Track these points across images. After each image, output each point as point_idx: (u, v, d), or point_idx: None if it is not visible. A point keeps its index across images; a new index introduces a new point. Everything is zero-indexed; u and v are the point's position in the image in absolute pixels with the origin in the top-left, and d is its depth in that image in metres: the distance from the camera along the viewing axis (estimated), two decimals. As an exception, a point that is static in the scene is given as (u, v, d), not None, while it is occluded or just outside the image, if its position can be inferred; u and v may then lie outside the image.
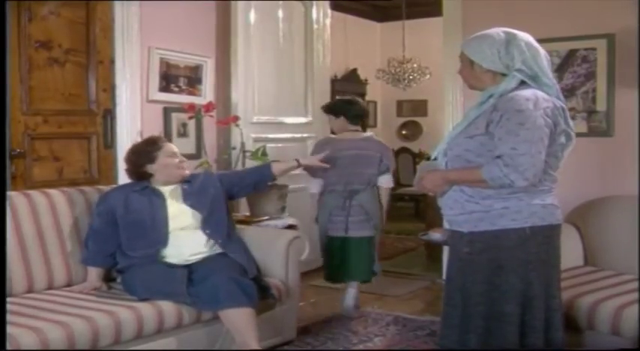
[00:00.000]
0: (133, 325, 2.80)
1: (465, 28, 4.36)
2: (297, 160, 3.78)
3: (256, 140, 4.69)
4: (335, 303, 4.25)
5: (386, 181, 4.11)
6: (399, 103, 10.05)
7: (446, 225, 2.63)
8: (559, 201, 2.47)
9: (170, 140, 3.90)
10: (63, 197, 3.37)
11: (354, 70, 9.20)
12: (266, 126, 4.96)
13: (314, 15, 5.37)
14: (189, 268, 3.10)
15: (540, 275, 2.39)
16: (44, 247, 3.20)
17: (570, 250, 3.40)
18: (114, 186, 3.65)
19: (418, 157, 8.95)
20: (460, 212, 2.44)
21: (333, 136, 4.26)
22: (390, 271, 5.19)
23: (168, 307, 2.93)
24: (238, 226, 3.64)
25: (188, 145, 4.50)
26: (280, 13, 5.11)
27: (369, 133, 4.28)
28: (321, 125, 5.48)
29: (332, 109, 4.24)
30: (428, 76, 8.60)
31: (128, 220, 3.25)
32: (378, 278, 4.32)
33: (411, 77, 8.70)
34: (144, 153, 3.36)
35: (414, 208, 8.77)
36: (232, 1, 4.71)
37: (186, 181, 3.41)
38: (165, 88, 4.44)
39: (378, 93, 9.80)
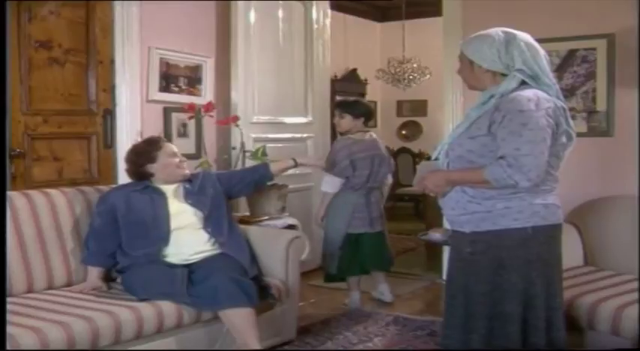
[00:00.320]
0: (133, 325, 2.80)
1: (465, 28, 4.36)
2: (294, 160, 3.79)
3: (256, 140, 4.68)
4: (335, 303, 4.26)
5: (389, 179, 4.47)
6: (399, 103, 10.03)
7: (447, 225, 2.63)
8: (559, 201, 2.47)
9: (170, 140, 3.90)
10: (63, 197, 3.37)
11: (354, 70, 9.19)
12: (266, 126, 4.96)
13: (314, 15, 5.37)
14: (189, 268, 3.11)
15: (542, 275, 2.39)
16: (44, 247, 3.20)
17: (570, 250, 3.39)
18: (114, 186, 3.65)
19: (418, 157, 8.94)
20: (462, 213, 2.43)
21: (351, 136, 4.27)
22: (390, 271, 5.17)
23: (168, 307, 2.93)
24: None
25: (188, 145, 4.50)
26: (280, 13, 5.10)
27: (373, 133, 4.41)
28: (321, 125, 5.50)
29: (352, 108, 4.30)
30: (428, 76, 8.59)
31: (130, 218, 3.25)
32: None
33: (410, 77, 8.69)
34: (144, 153, 3.37)
35: (414, 208, 8.77)
36: (232, 1, 4.70)
37: (186, 180, 3.42)
38: (165, 88, 4.44)
39: (377, 93, 9.79)
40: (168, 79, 4.46)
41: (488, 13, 4.30)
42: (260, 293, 3.08)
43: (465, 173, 2.41)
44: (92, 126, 4.13)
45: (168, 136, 4.31)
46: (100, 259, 3.25)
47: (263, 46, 4.93)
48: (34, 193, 3.32)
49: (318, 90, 5.44)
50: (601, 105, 4.09)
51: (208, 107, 4.22)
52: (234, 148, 4.53)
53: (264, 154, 4.16)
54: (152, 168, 3.36)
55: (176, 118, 4.49)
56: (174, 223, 3.26)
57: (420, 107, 9.88)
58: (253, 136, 4.74)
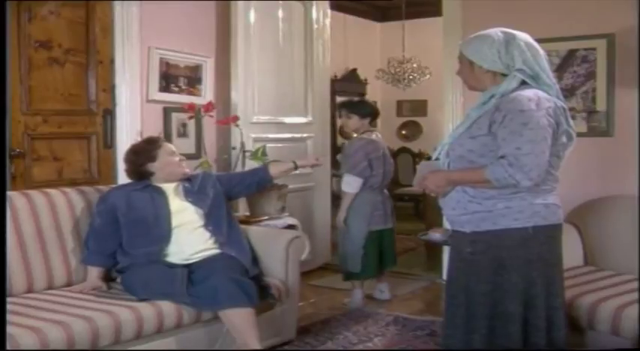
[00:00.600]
0: (133, 325, 2.79)
1: (465, 28, 4.36)
2: (295, 162, 3.80)
3: (256, 140, 4.68)
4: (335, 303, 4.25)
5: None
6: (399, 103, 10.03)
7: (447, 225, 2.63)
8: (559, 201, 2.47)
9: (170, 140, 3.91)
10: (63, 197, 3.36)
11: (354, 70, 9.18)
12: (266, 126, 4.96)
13: (314, 15, 5.37)
14: (189, 268, 3.10)
15: (542, 274, 2.39)
16: (44, 247, 3.20)
17: (570, 250, 3.39)
18: (114, 185, 3.65)
19: (418, 157, 8.93)
20: (462, 213, 2.44)
21: (363, 136, 4.30)
22: (390, 271, 5.17)
23: (168, 307, 2.93)
24: (238, 225, 3.65)
25: (188, 145, 4.50)
26: (280, 13, 5.10)
27: (378, 133, 4.49)
28: (321, 125, 5.50)
29: (359, 109, 4.36)
30: (428, 76, 8.59)
31: (130, 217, 3.25)
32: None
33: (410, 77, 8.69)
34: (144, 152, 3.38)
35: (414, 208, 8.76)
36: (232, 1, 4.70)
37: (186, 179, 3.43)
38: (165, 88, 4.44)
39: (377, 93, 9.78)
40: (168, 79, 4.46)
41: (488, 13, 4.30)
42: (260, 293, 3.08)
43: (466, 173, 2.41)
44: (92, 126, 4.13)
45: (168, 136, 4.32)
46: (99, 259, 3.25)
47: (263, 46, 4.93)
48: (34, 193, 3.32)
49: (318, 90, 5.44)
50: (601, 105, 4.09)
51: (208, 107, 4.22)
52: (234, 148, 4.53)
53: (264, 154, 4.17)
54: (152, 167, 3.36)
55: (176, 118, 4.49)
56: (175, 221, 3.26)
57: (420, 107, 9.88)
58: (253, 136, 4.74)
